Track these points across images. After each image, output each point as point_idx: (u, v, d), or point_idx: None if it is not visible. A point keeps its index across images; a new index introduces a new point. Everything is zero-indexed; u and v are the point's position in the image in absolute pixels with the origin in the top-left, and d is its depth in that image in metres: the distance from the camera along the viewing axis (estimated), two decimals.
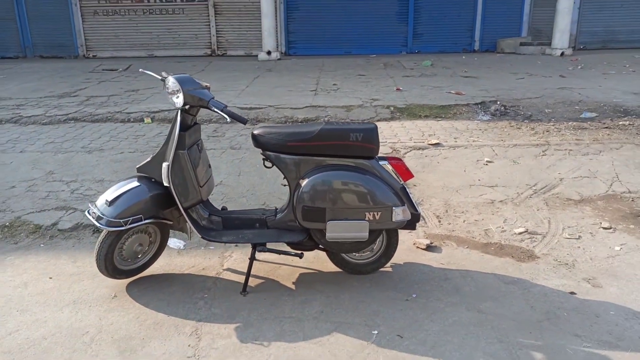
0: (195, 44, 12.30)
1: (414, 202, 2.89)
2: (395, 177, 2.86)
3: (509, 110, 6.62)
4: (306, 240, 2.88)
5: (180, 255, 3.35)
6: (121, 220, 2.68)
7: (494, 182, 4.46)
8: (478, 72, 9.45)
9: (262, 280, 3.02)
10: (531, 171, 4.67)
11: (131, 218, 2.70)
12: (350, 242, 2.82)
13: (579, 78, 8.79)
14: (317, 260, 3.20)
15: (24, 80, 9.08)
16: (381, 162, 2.86)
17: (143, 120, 6.25)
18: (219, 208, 3.13)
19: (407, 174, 2.89)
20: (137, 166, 2.88)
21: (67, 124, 6.23)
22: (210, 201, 3.10)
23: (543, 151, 5.11)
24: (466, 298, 2.82)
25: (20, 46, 12.41)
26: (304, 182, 2.73)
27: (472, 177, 4.56)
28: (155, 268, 3.14)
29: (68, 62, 11.51)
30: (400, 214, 2.76)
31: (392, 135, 5.61)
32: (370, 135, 2.77)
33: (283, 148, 2.79)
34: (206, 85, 2.79)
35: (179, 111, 2.74)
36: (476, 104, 6.90)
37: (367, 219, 2.73)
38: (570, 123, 6.12)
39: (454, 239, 3.55)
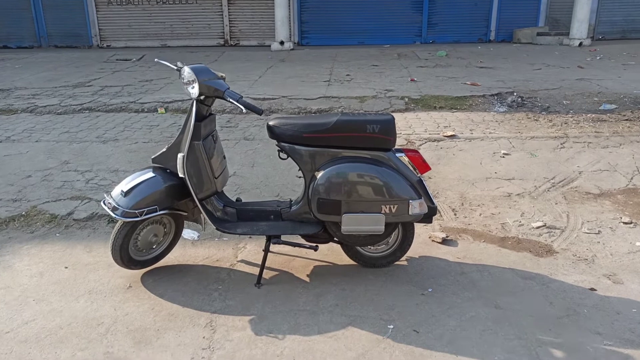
0: (208, 34, 12.27)
1: (430, 195, 2.84)
2: (412, 169, 2.82)
3: (526, 102, 6.51)
4: (321, 233, 2.85)
5: (195, 247, 3.35)
6: (136, 211, 2.67)
7: (511, 175, 4.39)
8: (494, 62, 9.31)
9: (277, 273, 3.01)
10: (549, 164, 4.58)
11: (146, 209, 2.69)
12: (365, 236, 2.79)
13: (598, 69, 8.62)
14: (332, 252, 3.18)
15: (39, 69, 9.14)
16: (398, 154, 2.81)
17: (157, 111, 6.26)
18: (234, 199, 3.11)
19: (424, 166, 2.85)
20: (152, 157, 2.87)
21: (82, 113, 6.25)
22: (225, 192, 3.09)
23: (561, 144, 5.02)
24: (483, 293, 2.78)
25: (35, 36, 12.48)
26: (320, 175, 2.70)
27: (488, 170, 4.49)
28: (170, 259, 3.14)
29: (82, 52, 11.56)
30: (417, 207, 2.72)
31: (407, 127, 5.54)
32: (388, 127, 2.73)
33: (298, 139, 2.75)
34: (221, 76, 2.76)
35: (195, 102, 2.72)
36: (492, 95, 6.79)
37: (383, 212, 2.69)
38: (589, 115, 6.00)
39: (470, 233, 3.51)
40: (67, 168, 4.54)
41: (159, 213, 2.75)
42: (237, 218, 2.92)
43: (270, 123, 2.82)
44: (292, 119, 2.81)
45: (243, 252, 3.26)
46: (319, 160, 2.77)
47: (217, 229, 2.80)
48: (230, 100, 2.60)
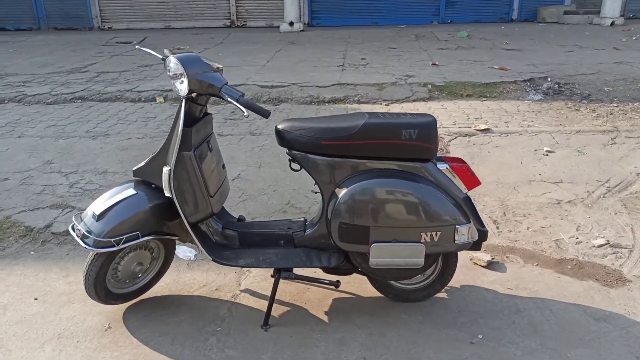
0: (214, 14, 11.60)
1: (480, 216, 2.27)
2: (457, 184, 2.24)
3: (563, 89, 5.85)
4: (343, 263, 2.29)
5: (190, 270, 2.81)
6: (112, 240, 2.13)
7: (557, 177, 3.79)
8: (520, 44, 8.60)
9: (288, 308, 2.46)
10: (601, 164, 3.97)
11: (125, 236, 2.15)
12: (399, 269, 2.23)
13: (636, 51, 7.88)
14: (354, 280, 2.62)
15: (34, 53, 8.58)
16: (440, 165, 2.23)
17: (155, 100, 5.70)
18: (235, 217, 2.56)
19: (472, 180, 2.27)
20: (134, 168, 2.31)
21: (73, 103, 5.71)
22: (226, 205, 2.53)
23: (612, 139, 4.39)
24: (548, 342, 2.22)
25: (34, 17, 11.90)
26: (342, 192, 2.14)
27: (530, 171, 3.89)
28: (160, 287, 2.61)
29: (82, 34, 10.97)
30: (465, 233, 2.15)
31: None
32: (428, 132, 2.14)
33: (315, 147, 2.18)
34: (217, 68, 2.19)
35: (184, 100, 2.15)
36: (524, 81, 6.14)
37: (422, 240, 2.13)
38: (637, 104, 5.35)
39: (520, 253, 2.93)
40: (50, 169, 4.01)
41: (141, 240, 2.20)
42: (240, 243, 2.37)
43: (280, 127, 2.25)
44: (306, 122, 2.23)
45: (247, 278, 2.71)
46: (340, 173, 2.20)
47: (213, 260, 2.25)
48: (229, 99, 2.02)
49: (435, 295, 2.50)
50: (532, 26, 10.71)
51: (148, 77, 6.60)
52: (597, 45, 8.37)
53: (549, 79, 6.20)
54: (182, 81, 2.11)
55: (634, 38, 8.93)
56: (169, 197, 2.17)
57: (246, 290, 2.61)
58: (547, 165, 3.96)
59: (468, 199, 2.25)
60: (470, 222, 2.17)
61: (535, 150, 4.20)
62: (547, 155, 4.13)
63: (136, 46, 2.41)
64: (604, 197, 3.54)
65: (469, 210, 2.22)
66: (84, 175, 3.89)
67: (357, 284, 2.60)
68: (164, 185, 2.15)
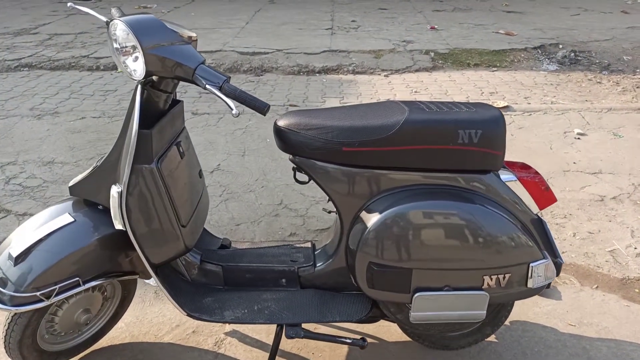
0: None
1: (554, 244, 1.66)
2: (527, 202, 1.63)
3: (580, 58, 5.26)
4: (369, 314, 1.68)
5: (159, 301, 2.17)
6: (38, 293, 1.46)
7: (596, 167, 3.22)
8: (521, 6, 7.93)
9: None
10: None
11: (58, 285, 1.48)
12: (449, 323, 1.63)
13: None
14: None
15: None
16: (505, 177, 1.61)
17: (116, 69, 4.88)
18: (218, 238, 1.90)
19: (546, 196, 1.66)
20: (71, 184, 1.61)
21: (19, 72, 4.85)
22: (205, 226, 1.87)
23: None
24: None
25: None
26: (372, 219, 1.50)
27: (563, 158, 3.31)
28: (118, 331, 1.97)
29: None
30: (541, 273, 1.55)
31: (442, 93, 4.29)
32: (495, 133, 1.51)
33: (334, 155, 1.53)
34: (189, 37, 1.48)
35: (139, 87, 1.44)
36: (535, 48, 5.52)
37: (485, 286, 1.52)
38: None
39: (571, 270, 2.37)
40: None
41: (83, 287, 1.54)
42: (225, 282, 1.72)
43: (281, 124, 1.58)
44: (320, 118, 1.56)
45: None
46: (368, 190, 1.56)
47: (188, 315, 1.59)
48: (209, 88, 1.33)
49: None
50: None
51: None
52: (603, 7, 7.77)
53: (561, 46, 5.60)
54: (136, 58, 1.41)
55: (639, 0, 8.34)
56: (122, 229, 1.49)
57: (233, 334, 1.99)
58: (581, 152, 3.39)
59: (539, 222, 1.64)
60: (548, 258, 1.56)
61: (565, 133, 3.62)
62: (579, 138, 3.55)
63: (69, 4, 1.67)
64: None
65: (539, 237, 1.61)
66: (25, 166, 3.14)
67: (379, 323, 2.00)
68: (113, 214, 1.47)
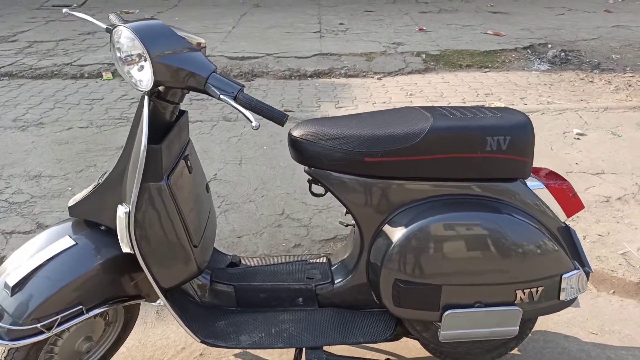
0: None
1: (583, 252, 1.60)
2: (554, 209, 1.56)
3: (570, 57, 5.26)
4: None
5: (162, 321, 2.05)
6: (38, 325, 1.33)
7: (598, 167, 3.19)
8: (506, 6, 7.96)
9: None
10: None
11: (60, 316, 1.36)
12: (478, 341, 1.55)
13: (629, 13, 7.41)
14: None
15: None
16: (532, 185, 1.54)
17: (101, 76, 4.72)
18: (228, 255, 1.79)
19: (573, 203, 1.59)
20: (70, 203, 1.48)
21: None
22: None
23: None
24: None
25: None
26: (398, 234, 1.41)
27: (564, 159, 3.27)
28: (120, 356, 1.84)
29: None
30: (574, 285, 1.48)
31: (437, 96, 4.23)
32: (523, 139, 1.44)
33: (355, 166, 1.44)
34: (198, 43, 1.37)
35: (147, 99, 1.33)
36: (525, 48, 5.52)
37: (518, 301, 1.44)
38: None
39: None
40: None
41: (87, 316, 1.42)
42: (238, 303, 1.62)
43: (296, 134, 1.49)
44: (338, 127, 1.47)
45: None
46: (391, 202, 1.47)
47: (202, 341, 1.48)
48: (224, 98, 1.23)
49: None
50: None
51: (92, 47, 5.56)
52: (586, 7, 7.84)
53: (550, 46, 5.60)
54: (141, 67, 1.30)
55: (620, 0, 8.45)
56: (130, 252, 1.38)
57: (243, 355, 1.88)
58: (582, 152, 3.35)
59: (567, 231, 1.58)
60: (579, 268, 1.50)
61: (565, 133, 3.59)
62: (578, 139, 3.52)
63: (64, 10, 1.55)
64: None
65: (568, 246, 1.55)
66: (10, 181, 2.98)
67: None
68: (120, 237, 1.36)
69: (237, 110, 1.17)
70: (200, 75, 1.27)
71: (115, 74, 4.75)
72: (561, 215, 1.58)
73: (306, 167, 1.53)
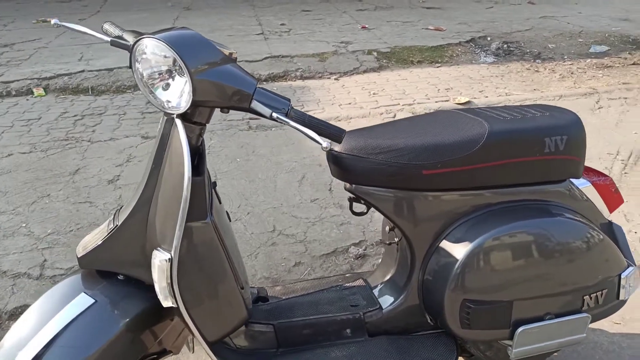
0: None
1: (628, 248, 1.57)
2: (599, 206, 1.52)
3: (512, 48, 5.45)
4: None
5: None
6: None
7: None
8: (437, 1, 8.13)
9: None
10: (601, 133, 3.55)
11: None
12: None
13: (550, 4, 7.83)
14: None
15: None
16: (579, 183, 1.49)
17: (32, 92, 4.24)
18: (253, 290, 1.59)
19: (615, 198, 1.56)
20: (80, 254, 1.23)
21: None
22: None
23: (596, 102, 4.02)
24: None
25: None
26: (462, 250, 1.30)
27: None
28: None
29: None
30: (632, 282, 1.45)
31: (400, 93, 4.20)
32: (578, 138, 1.39)
33: (410, 180, 1.31)
34: (230, 53, 1.18)
35: (179, 122, 1.12)
36: (467, 42, 5.64)
37: (585, 307, 1.38)
38: (590, 60, 5.10)
39: None
40: None
41: None
42: (279, 344, 1.43)
43: (338, 149, 1.33)
44: (382, 137, 1.33)
45: None
46: (446, 216, 1.35)
47: None
48: (277, 117, 1.05)
49: None
50: None
51: (13, 61, 4.99)
52: (510, 0, 8.21)
53: (489, 38, 5.78)
54: (167, 85, 1.09)
55: None
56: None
57: None
58: None
59: (611, 226, 1.54)
60: (634, 264, 1.46)
61: None
62: None
63: (53, 21, 1.28)
64: (625, 174, 3.11)
65: (618, 244, 1.51)
66: None
67: None
68: (160, 289, 1.13)
69: (317, 143, 1.00)
70: (245, 91, 1.08)
71: (47, 89, 4.29)
72: (604, 211, 1.55)
73: (347, 185, 1.38)
